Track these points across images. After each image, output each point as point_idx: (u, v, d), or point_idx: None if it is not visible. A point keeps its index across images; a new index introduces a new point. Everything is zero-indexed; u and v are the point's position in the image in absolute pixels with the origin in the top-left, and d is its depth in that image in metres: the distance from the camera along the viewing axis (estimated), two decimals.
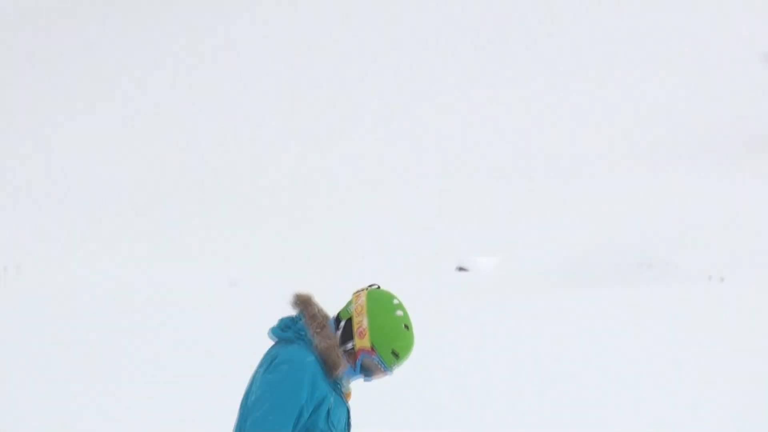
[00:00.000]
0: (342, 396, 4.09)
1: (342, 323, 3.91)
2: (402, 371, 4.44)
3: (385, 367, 3.96)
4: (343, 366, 3.90)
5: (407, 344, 3.95)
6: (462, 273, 37.71)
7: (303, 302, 3.86)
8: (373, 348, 3.86)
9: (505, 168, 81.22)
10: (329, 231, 62.17)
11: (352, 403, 4.16)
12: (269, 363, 3.71)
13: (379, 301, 3.93)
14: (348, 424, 4.18)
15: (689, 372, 19.21)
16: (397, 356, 3.87)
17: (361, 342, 3.87)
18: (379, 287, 4.16)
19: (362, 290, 4.11)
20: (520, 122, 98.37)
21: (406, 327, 3.92)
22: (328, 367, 3.87)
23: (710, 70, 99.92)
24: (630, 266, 37.31)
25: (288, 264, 48.05)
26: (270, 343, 3.94)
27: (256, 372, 3.84)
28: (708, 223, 46.23)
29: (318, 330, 3.81)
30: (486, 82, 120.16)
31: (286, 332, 3.88)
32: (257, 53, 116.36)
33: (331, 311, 3.97)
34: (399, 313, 3.90)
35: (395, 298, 3.99)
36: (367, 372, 4.09)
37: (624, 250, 39.08)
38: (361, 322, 3.90)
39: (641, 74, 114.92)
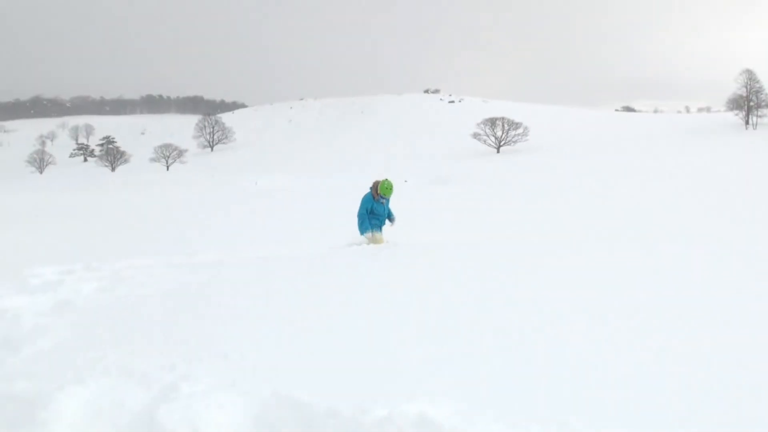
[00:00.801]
0: (381, 203, 8.95)
1: (377, 185, 8.86)
2: (396, 201, 11.67)
3: (384, 197, 8.88)
4: (377, 196, 8.83)
5: (388, 190, 8.75)
6: (405, 183, 38.00)
7: (373, 183, 8.92)
8: (380, 191, 8.84)
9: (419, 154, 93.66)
10: (346, 166, 65.55)
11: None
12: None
13: (383, 181, 8.92)
14: (386, 211, 9.01)
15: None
16: (385, 194, 8.79)
17: (378, 189, 8.83)
18: (386, 179, 9.02)
19: (381, 178, 9.34)
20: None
21: (387, 188, 8.77)
22: (374, 195, 8.82)
23: None
24: (440, 180, 39.83)
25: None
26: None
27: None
28: (458, 170, 52.62)
29: (372, 188, 8.86)
30: None
31: (368, 189, 9.06)
32: None
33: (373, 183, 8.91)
34: (386, 183, 8.80)
35: (387, 180, 8.91)
36: (382, 197, 8.91)
37: (439, 177, 41.91)
38: (378, 185, 8.86)
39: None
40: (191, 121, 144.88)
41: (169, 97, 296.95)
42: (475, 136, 76.29)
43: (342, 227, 15.85)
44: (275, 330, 3.75)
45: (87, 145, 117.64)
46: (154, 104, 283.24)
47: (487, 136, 75.43)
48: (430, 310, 4.03)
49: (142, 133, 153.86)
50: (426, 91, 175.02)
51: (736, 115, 73.45)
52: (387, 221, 9.25)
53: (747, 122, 71.34)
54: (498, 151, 72.40)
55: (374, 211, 8.84)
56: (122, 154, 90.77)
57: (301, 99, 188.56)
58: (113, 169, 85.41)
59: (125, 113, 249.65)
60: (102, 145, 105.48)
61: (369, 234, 8.78)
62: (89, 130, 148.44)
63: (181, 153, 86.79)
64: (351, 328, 3.69)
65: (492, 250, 6.79)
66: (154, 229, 17.32)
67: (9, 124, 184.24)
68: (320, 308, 4.20)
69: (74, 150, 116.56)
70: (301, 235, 14.52)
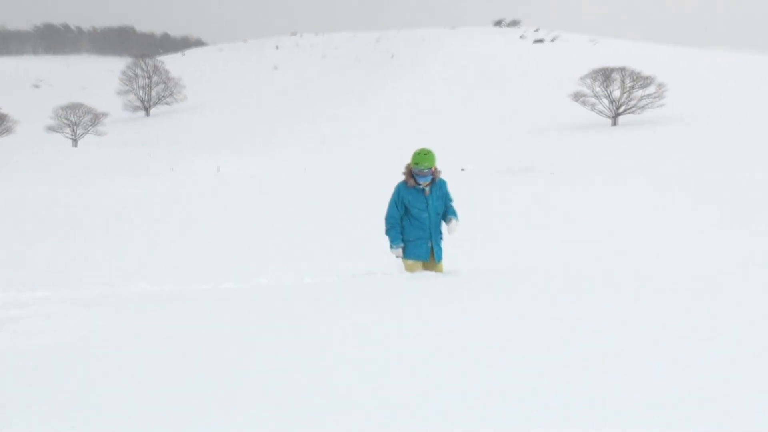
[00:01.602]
0: (420, 191, 8.85)
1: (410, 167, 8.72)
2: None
3: (415, 166, 8.69)
4: (410, 183, 8.78)
5: (425, 158, 8.63)
6: (463, 171, 41.51)
7: (406, 168, 8.87)
8: (413, 163, 8.75)
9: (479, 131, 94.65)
10: (361, 153, 66.41)
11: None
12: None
13: (417, 150, 8.80)
14: (434, 209, 8.91)
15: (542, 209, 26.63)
16: (420, 163, 8.65)
17: (411, 164, 8.79)
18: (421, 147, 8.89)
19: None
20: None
21: (423, 155, 8.67)
22: (408, 180, 8.83)
23: None
24: (520, 168, 41.71)
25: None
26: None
27: None
28: (550, 153, 54.18)
29: (406, 172, 8.87)
30: None
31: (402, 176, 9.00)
32: None
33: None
34: (421, 149, 8.73)
35: (418, 153, 8.73)
36: (416, 177, 8.78)
37: (520, 163, 43.85)
38: (411, 158, 8.80)
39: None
40: (115, 66, 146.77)
41: (79, 29, 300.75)
42: (578, 97, 76.12)
43: (357, 242, 16.05)
44: (251, 419, 3.66)
45: None
46: (55, 39, 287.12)
47: (597, 98, 75.06)
48: (482, 390, 3.89)
49: (36, 86, 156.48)
50: (498, 24, 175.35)
51: None
52: (443, 227, 9.14)
53: None
54: (614, 123, 72.02)
55: (410, 211, 8.80)
56: (2, 119, 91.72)
57: (294, 33, 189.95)
58: None
59: (9, 54, 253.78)
60: None
61: (398, 251, 8.78)
62: None
63: (97, 118, 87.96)
64: (366, 421, 3.57)
65: (605, 292, 6.64)
66: (54, 241, 17.44)
67: None
68: (319, 383, 4.06)
69: None
70: (290, 255, 14.67)
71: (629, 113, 73.38)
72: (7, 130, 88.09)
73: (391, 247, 8.81)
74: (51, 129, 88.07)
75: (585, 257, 13.16)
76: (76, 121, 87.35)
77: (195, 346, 5.01)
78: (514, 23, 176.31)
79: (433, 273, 8.64)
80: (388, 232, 8.81)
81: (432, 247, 8.89)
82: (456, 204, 9.28)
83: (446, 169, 33.94)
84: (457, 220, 8.98)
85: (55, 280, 10.49)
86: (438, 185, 8.80)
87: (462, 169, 42.25)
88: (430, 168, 8.68)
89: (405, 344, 4.85)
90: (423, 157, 8.63)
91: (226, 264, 13.52)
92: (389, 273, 8.78)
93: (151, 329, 5.54)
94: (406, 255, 8.80)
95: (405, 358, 4.48)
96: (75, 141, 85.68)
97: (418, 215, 8.71)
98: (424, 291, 6.89)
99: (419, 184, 8.71)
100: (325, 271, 10.49)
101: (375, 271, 9.20)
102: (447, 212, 8.97)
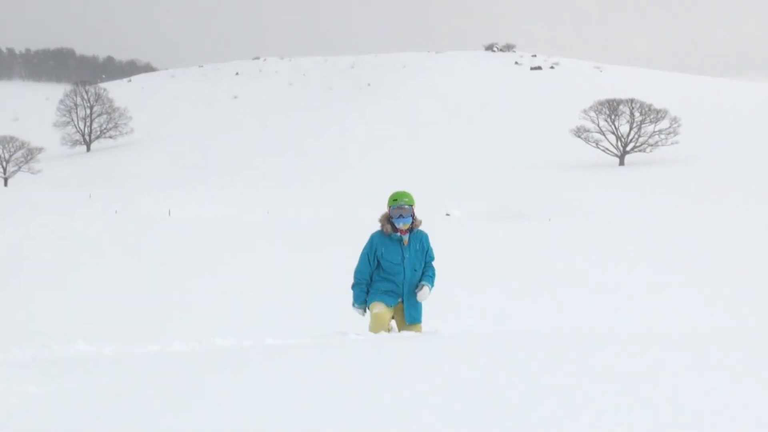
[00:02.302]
0: (397, 241, 8.94)
1: (386, 215, 8.94)
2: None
3: (393, 204, 8.88)
4: (387, 229, 8.88)
5: (393, 195, 8.87)
6: (448, 216, 42.31)
7: (382, 215, 9.09)
8: (388, 207, 8.99)
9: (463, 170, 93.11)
10: (345, 191, 65.27)
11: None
12: None
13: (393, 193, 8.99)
14: (404, 256, 8.92)
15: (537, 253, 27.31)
16: (393, 199, 8.88)
17: (387, 207, 9.01)
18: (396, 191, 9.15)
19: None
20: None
21: (397, 196, 8.85)
22: (384, 228, 8.91)
23: None
24: (512, 214, 42.91)
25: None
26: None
27: None
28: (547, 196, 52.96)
29: (381, 219, 8.98)
30: None
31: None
32: None
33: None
34: (391, 193, 8.96)
35: (396, 192, 9.07)
36: (394, 220, 8.90)
37: (513, 207, 44.58)
38: (384, 216, 8.98)
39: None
40: (52, 94, 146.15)
41: (11, 51, 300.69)
42: (580, 132, 76.07)
43: (326, 296, 16.11)
44: None
45: None
46: None
47: (603, 133, 75.12)
48: None
49: None
50: (490, 48, 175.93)
51: None
52: (421, 287, 8.83)
53: None
54: (622, 162, 72.09)
55: (382, 265, 8.82)
56: None
57: (257, 58, 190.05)
58: None
59: None
60: None
61: (359, 311, 8.85)
62: None
63: (31, 154, 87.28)
64: None
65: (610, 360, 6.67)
66: None
67: None
68: None
69: None
70: (250, 311, 14.64)
71: (638, 151, 73.48)
72: None
73: (353, 305, 8.88)
74: None
75: (575, 318, 13.13)
76: (7, 157, 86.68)
77: (140, 421, 4.98)
78: (509, 47, 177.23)
79: (411, 333, 8.52)
80: (353, 287, 8.85)
81: (402, 304, 8.84)
82: (437, 251, 9.22)
83: (429, 214, 34.16)
84: (430, 287, 8.84)
85: None
86: (418, 237, 8.83)
87: (447, 214, 42.61)
88: (411, 206, 8.72)
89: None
90: (402, 193, 8.75)
91: (176, 320, 13.50)
92: (363, 334, 8.50)
93: (90, 399, 5.49)
94: (371, 300, 8.81)
95: None
96: (5, 180, 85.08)
97: (391, 269, 8.73)
98: (402, 356, 6.88)
99: (397, 231, 8.71)
100: (290, 332, 10.42)
101: (347, 331, 8.82)
102: (424, 273, 8.88)
